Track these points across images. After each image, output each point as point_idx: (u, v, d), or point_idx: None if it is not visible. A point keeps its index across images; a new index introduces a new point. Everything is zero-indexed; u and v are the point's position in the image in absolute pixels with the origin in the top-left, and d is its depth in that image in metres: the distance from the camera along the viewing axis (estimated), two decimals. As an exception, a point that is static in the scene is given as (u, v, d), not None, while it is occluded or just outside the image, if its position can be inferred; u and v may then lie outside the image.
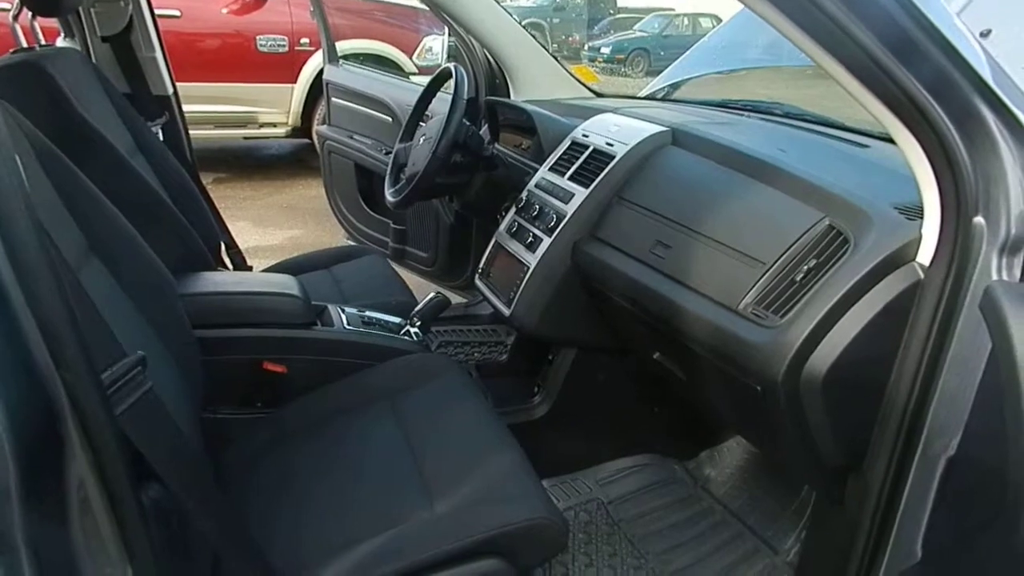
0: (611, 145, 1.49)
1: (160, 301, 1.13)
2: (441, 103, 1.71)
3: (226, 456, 1.20)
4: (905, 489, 0.92)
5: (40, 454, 0.57)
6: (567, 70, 2.16)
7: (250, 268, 2.13)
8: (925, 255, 0.90)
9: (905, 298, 0.90)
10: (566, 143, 1.63)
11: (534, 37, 2.12)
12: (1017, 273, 0.80)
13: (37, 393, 0.58)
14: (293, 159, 5.59)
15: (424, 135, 1.72)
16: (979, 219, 0.81)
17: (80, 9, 1.80)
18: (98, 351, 0.70)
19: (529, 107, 1.81)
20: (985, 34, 1.50)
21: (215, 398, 1.38)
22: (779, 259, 1.05)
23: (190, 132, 2.13)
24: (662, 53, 12.36)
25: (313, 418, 1.26)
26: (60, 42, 1.88)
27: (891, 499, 0.95)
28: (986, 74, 0.77)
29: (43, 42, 1.60)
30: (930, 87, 0.78)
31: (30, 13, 1.54)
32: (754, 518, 1.55)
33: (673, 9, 14.36)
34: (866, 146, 1.36)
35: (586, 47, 14.39)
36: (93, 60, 1.82)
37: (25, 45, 1.54)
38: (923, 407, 0.89)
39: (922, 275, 0.90)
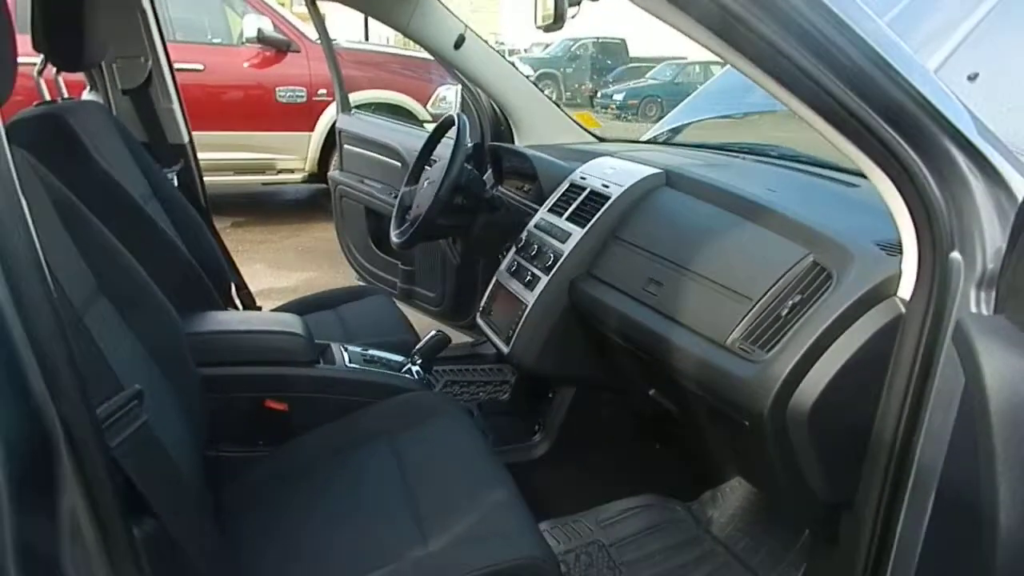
0: (607, 187, 1.53)
1: (165, 340, 1.16)
2: (447, 149, 1.77)
3: (224, 493, 1.21)
4: (898, 525, 0.91)
5: (33, 485, 0.59)
6: (569, 116, 2.22)
7: (259, 308, 2.18)
8: (905, 290, 0.91)
9: (887, 332, 0.91)
10: (564, 185, 1.68)
11: (544, 86, 2.18)
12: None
13: (32, 424, 0.60)
14: (309, 204, 5.71)
15: (428, 179, 1.78)
16: (955, 254, 0.82)
17: (103, 64, 1.90)
18: (95, 385, 0.73)
19: (530, 152, 1.86)
20: (973, 77, 1.53)
21: (218, 436, 1.40)
22: (765, 295, 1.07)
23: (211, 179, 2.21)
24: (674, 100, 12.52)
25: (311, 456, 1.27)
26: (85, 95, 1.98)
27: (884, 535, 0.94)
28: (951, 114, 0.80)
29: (65, 95, 1.69)
30: (898, 128, 0.80)
31: (55, 68, 1.63)
32: (757, 560, 1.52)
33: (685, 57, 14.57)
34: (856, 185, 1.39)
35: (599, 95, 14.62)
36: (114, 111, 1.91)
37: (48, 98, 1.62)
38: (910, 441, 0.88)
39: (903, 309, 0.91)
